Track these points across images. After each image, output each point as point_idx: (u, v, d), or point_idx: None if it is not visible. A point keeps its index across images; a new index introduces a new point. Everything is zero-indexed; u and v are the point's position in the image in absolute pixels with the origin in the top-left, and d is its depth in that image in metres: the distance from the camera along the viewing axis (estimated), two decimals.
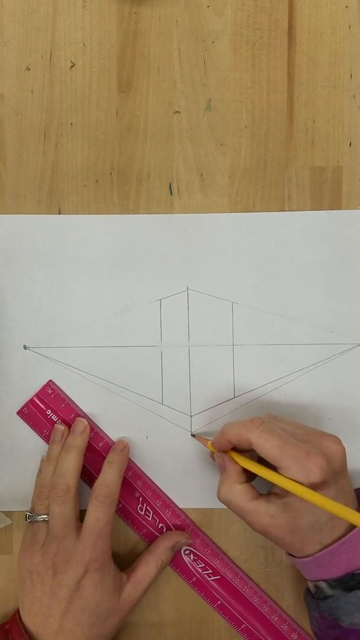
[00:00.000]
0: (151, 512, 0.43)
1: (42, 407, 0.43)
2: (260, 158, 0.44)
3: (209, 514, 0.44)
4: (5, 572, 0.44)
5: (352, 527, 0.36)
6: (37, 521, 0.41)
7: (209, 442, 0.40)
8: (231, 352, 0.44)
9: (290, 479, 0.34)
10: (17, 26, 0.43)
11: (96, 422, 0.44)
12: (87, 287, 0.44)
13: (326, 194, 0.44)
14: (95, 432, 0.43)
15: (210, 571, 0.43)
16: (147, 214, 0.44)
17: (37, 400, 0.43)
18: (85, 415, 0.43)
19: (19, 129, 0.43)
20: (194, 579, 0.43)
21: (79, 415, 0.43)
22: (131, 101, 0.43)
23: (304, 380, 0.43)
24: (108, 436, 0.43)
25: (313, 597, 0.38)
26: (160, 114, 0.43)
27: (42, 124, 0.43)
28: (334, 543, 0.35)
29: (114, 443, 0.43)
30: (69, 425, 0.43)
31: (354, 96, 0.43)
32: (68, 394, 0.44)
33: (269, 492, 0.38)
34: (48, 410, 0.43)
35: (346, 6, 0.43)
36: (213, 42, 0.43)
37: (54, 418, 0.43)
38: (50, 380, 0.43)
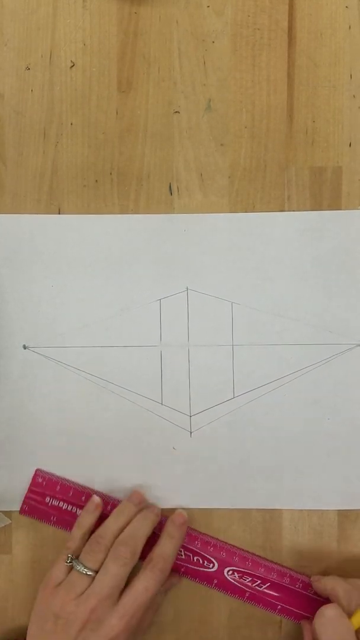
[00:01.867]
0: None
1: (40, 498, 0.43)
2: (260, 158, 0.44)
3: (209, 514, 0.44)
4: (4, 571, 0.44)
5: None
6: (81, 572, 0.39)
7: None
8: (231, 352, 0.44)
9: None
10: (18, 26, 0.43)
11: (96, 423, 0.44)
12: (86, 287, 0.44)
13: (326, 194, 0.44)
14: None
15: (259, 581, 0.43)
16: (147, 214, 0.44)
17: (32, 495, 0.43)
18: (85, 489, 0.43)
19: (19, 128, 0.44)
20: (247, 595, 0.43)
21: (77, 491, 0.43)
22: (131, 101, 0.43)
23: (303, 380, 0.43)
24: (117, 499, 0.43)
25: None
26: (160, 114, 0.43)
27: (42, 124, 0.43)
28: None
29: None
30: (74, 504, 0.43)
31: (353, 96, 0.43)
32: (68, 395, 0.44)
33: None
34: (47, 498, 0.43)
35: (346, 6, 0.43)
36: (213, 42, 0.43)
37: (55, 503, 0.43)
38: (38, 470, 0.43)
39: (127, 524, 0.41)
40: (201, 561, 0.43)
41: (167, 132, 0.43)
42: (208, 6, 0.43)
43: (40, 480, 0.43)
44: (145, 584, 0.38)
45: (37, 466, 0.44)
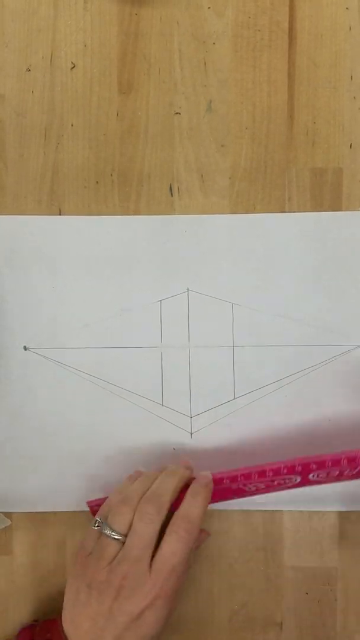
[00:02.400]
0: None
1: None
2: (261, 159, 0.44)
3: (208, 515, 0.44)
4: (4, 572, 0.44)
5: None
6: (110, 536, 0.37)
7: None
8: (231, 353, 0.44)
9: None
10: (18, 27, 0.43)
11: (97, 424, 0.44)
12: (87, 288, 0.44)
13: (326, 195, 0.44)
14: None
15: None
16: (148, 215, 0.44)
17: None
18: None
19: (19, 130, 0.44)
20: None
21: None
22: (132, 102, 0.43)
23: (304, 381, 0.43)
24: None
25: None
26: (161, 115, 0.43)
27: (42, 125, 0.43)
28: None
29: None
30: None
31: (354, 97, 0.43)
32: (68, 396, 0.44)
33: None
34: None
35: (347, 8, 0.43)
36: (214, 43, 0.43)
37: None
38: (87, 502, 0.42)
39: None
40: (283, 481, 0.39)
41: (168, 133, 0.43)
42: (209, 7, 0.43)
43: (97, 509, 0.41)
44: (171, 547, 0.36)
45: (37, 466, 0.44)
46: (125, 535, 0.37)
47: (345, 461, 0.38)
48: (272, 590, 0.44)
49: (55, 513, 0.44)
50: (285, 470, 0.39)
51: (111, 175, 0.44)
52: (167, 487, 0.38)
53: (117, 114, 0.43)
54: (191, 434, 0.44)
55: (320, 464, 0.38)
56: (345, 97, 0.43)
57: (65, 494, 0.44)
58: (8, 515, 0.44)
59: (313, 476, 0.39)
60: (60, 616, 0.38)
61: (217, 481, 0.39)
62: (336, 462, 0.38)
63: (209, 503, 0.39)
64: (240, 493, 0.40)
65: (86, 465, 0.44)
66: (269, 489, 0.40)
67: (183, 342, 0.44)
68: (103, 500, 0.41)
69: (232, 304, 0.44)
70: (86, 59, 0.43)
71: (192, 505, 0.38)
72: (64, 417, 0.44)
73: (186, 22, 0.43)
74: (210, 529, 0.44)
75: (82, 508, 0.44)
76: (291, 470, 0.38)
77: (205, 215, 0.44)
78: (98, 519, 0.38)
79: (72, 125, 0.43)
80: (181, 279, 0.44)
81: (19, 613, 0.44)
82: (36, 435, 0.44)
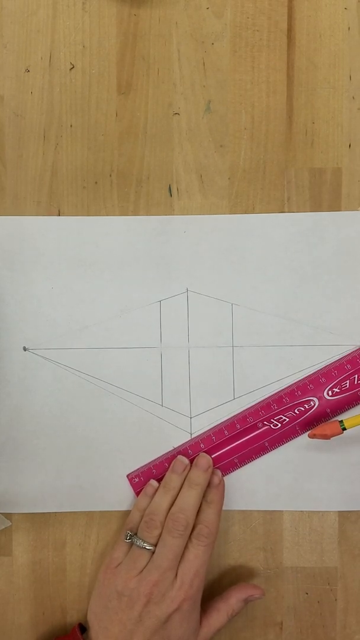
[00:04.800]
0: None
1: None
2: (260, 159, 0.44)
3: None
4: (4, 573, 0.44)
5: None
6: (141, 547, 0.40)
7: None
8: (231, 353, 0.44)
9: None
10: (17, 28, 0.43)
11: (96, 424, 0.44)
12: (86, 289, 0.44)
13: (325, 195, 0.44)
14: None
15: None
16: (147, 215, 0.44)
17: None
18: (168, 453, 0.43)
19: (18, 130, 0.44)
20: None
21: (168, 458, 0.43)
22: (131, 103, 0.43)
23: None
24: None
25: None
26: (160, 116, 0.43)
27: (41, 126, 0.43)
28: None
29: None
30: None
31: (353, 98, 0.43)
32: (68, 396, 0.44)
33: None
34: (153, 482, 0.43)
35: (345, 8, 0.43)
36: (212, 43, 0.43)
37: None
38: (128, 475, 0.43)
39: (175, 496, 0.41)
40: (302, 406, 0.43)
41: (167, 133, 0.43)
42: (207, 8, 0.43)
43: (136, 480, 0.43)
44: (194, 552, 0.40)
45: (37, 467, 0.44)
46: (155, 546, 0.40)
47: (348, 365, 0.42)
48: (272, 590, 0.44)
49: (55, 513, 0.44)
50: (298, 392, 0.43)
51: (110, 175, 0.44)
52: (191, 502, 0.41)
53: (116, 114, 0.43)
54: (191, 434, 0.44)
55: (326, 375, 0.43)
56: (344, 97, 0.43)
57: (65, 494, 0.44)
58: (8, 516, 0.44)
59: (328, 393, 0.43)
60: (75, 629, 0.41)
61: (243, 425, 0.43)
62: (340, 369, 0.43)
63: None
64: (268, 435, 0.43)
65: (86, 465, 0.44)
66: (293, 421, 0.43)
67: (183, 343, 0.44)
68: (142, 470, 0.43)
69: (232, 304, 0.44)
70: (85, 59, 0.43)
71: (208, 513, 0.41)
72: (63, 418, 0.44)
73: (185, 23, 0.43)
74: None
75: (82, 508, 0.44)
76: (304, 389, 0.43)
77: (204, 215, 0.44)
78: (129, 532, 0.41)
79: (71, 125, 0.43)
80: (180, 280, 0.44)
81: (19, 613, 0.44)
82: (36, 436, 0.44)
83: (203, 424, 0.44)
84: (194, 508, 0.40)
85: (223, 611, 0.41)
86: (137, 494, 0.43)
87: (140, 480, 0.43)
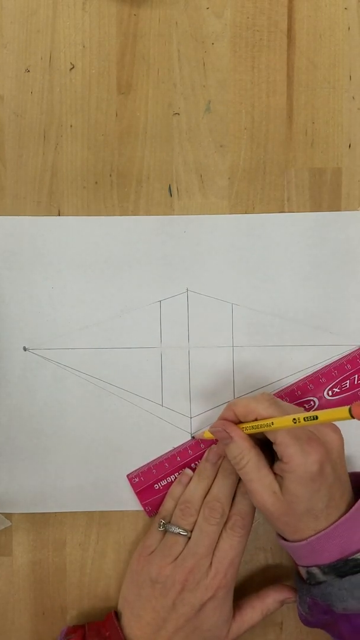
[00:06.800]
0: None
1: (149, 491, 0.43)
2: (260, 159, 0.44)
3: None
4: (4, 573, 0.44)
5: (346, 512, 0.36)
6: (176, 534, 0.40)
7: (205, 431, 0.41)
8: (231, 353, 0.44)
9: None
10: (17, 28, 0.43)
11: (96, 424, 0.44)
12: (86, 289, 0.44)
13: (325, 195, 0.44)
14: None
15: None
16: (147, 215, 0.44)
17: (143, 495, 0.43)
18: (170, 452, 0.44)
19: (18, 130, 0.44)
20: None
21: (168, 458, 0.43)
22: (131, 103, 0.43)
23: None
24: None
25: (304, 582, 0.38)
26: (160, 116, 0.43)
27: (41, 126, 0.43)
28: (328, 528, 0.36)
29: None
30: (176, 469, 0.43)
31: (353, 98, 0.43)
32: (68, 396, 0.44)
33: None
34: (155, 485, 0.43)
35: (345, 8, 0.43)
36: (212, 43, 0.43)
37: (164, 482, 0.43)
38: (128, 475, 0.43)
39: (210, 485, 0.41)
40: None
41: (167, 133, 0.43)
42: (207, 8, 0.43)
43: (136, 480, 0.43)
44: (229, 542, 0.39)
45: (37, 466, 0.44)
46: (191, 532, 0.40)
47: (348, 365, 0.43)
48: None
49: (55, 513, 0.44)
50: (298, 392, 0.43)
51: (110, 175, 0.44)
52: (226, 492, 0.41)
53: (116, 114, 0.43)
54: (191, 434, 0.44)
55: (326, 375, 0.43)
56: (344, 97, 0.43)
57: (65, 494, 0.44)
58: (8, 516, 0.44)
59: (328, 393, 0.42)
60: (110, 615, 0.41)
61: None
62: (340, 369, 0.43)
63: None
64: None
65: (86, 465, 0.44)
66: None
67: (183, 343, 0.44)
68: (143, 470, 0.43)
69: (232, 304, 0.44)
70: (85, 59, 0.43)
71: (243, 504, 0.40)
72: (63, 418, 0.44)
73: (185, 23, 0.43)
74: None
75: (82, 508, 0.44)
76: (304, 389, 0.43)
77: (204, 215, 0.44)
78: (162, 520, 0.41)
79: (71, 125, 0.43)
80: (180, 280, 0.44)
81: (19, 613, 0.44)
82: (36, 436, 0.44)
83: (203, 424, 0.44)
84: (229, 497, 0.40)
85: (258, 609, 0.41)
86: (137, 494, 0.43)
87: (140, 480, 0.43)
